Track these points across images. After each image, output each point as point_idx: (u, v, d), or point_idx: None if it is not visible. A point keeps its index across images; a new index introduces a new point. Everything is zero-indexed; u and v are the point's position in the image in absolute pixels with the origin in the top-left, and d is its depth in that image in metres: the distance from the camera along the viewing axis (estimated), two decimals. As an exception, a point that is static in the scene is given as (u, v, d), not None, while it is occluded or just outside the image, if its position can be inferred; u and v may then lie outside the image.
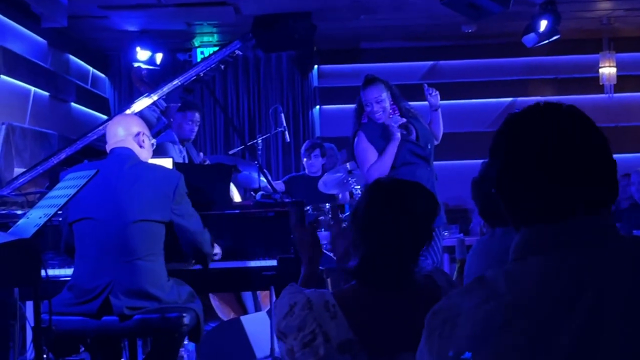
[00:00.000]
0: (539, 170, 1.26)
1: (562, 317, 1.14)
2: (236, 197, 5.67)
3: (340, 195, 6.91)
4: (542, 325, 1.13)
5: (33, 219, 2.96)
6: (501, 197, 1.31)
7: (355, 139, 5.05)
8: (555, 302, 1.15)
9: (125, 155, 3.77)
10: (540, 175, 1.26)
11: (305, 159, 7.12)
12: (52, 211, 2.94)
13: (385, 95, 5.03)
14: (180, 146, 5.96)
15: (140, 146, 3.87)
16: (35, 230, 2.87)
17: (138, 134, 3.87)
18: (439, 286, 2.18)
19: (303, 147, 7.21)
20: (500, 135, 1.34)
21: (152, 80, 6.24)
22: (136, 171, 3.73)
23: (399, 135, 4.94)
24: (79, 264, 3.65)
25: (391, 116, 4.99)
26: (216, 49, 9.20)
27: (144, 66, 7.53)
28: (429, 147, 5.10)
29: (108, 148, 3.86)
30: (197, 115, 6.04)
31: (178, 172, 3.86)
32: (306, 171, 7.17)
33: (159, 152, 5.70)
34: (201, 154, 6.32)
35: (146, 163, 3.83)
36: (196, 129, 6.06)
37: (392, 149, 4.91)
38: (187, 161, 5.95)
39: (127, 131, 3.85)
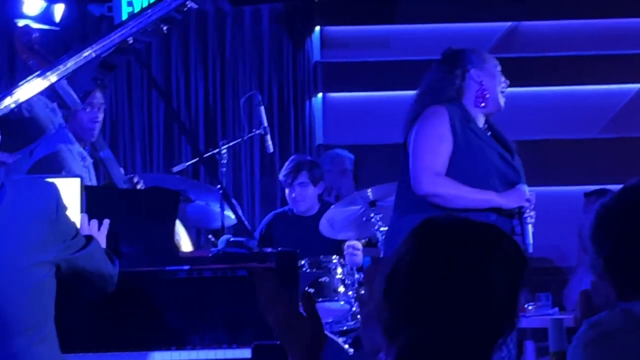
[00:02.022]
0: None
1: None
2: (184, 243, 5.69)
3: (347, 257, 6.93)
4: None
5: None
6: None
7: (429, 114, 5.09)
8: None
9: None
10: None
11: (287, 190, 7.18)
12: None
13: None
14: (81, 148, 5.98)
15: None
16: None
17: None
18: None
19: (282, 171, 7.29)
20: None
21: (48, 49, 6.26)
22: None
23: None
24: None
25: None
26: (153, -1, 9.36)
27: (34, 25, 7.56)
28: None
29: None
30: (97, 94, 6.06)
31: (51, 182, 3.92)
32: (292, 208, 7.22)
33: (48, 167, 5.71)
34: (122, 169, 6.33)
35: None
36: (100, 116, 6.08)
37: (483, 197, 5.02)
38: (93, 175, 5.97)
39: None
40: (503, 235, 2.22)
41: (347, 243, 6.83)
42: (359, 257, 6.88)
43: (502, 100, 5.23)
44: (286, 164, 7.31)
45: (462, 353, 2.15)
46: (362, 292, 6.31)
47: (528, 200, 5.14)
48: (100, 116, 6.08)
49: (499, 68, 5.27)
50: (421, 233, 2.22)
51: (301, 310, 2.43)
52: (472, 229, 2.22)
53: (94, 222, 4.27)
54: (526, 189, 5.17)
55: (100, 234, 4.21)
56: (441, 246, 2.17)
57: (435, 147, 4.97)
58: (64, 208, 3.83)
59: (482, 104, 5.14)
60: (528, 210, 5.18)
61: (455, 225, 2.24)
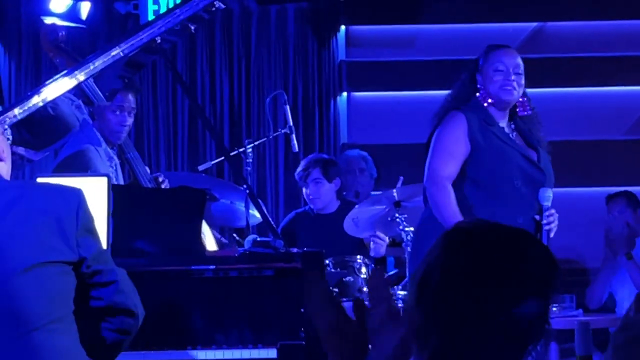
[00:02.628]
0: None
1: None
2: (209, 243, 5.69)
3: (372, 244, 6.92)
4: None
5: None
6: None
7: (447, 119, 5.20)
8: None
9: None
10: None
11: (303, 189, 7.20)
12: None
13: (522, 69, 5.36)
14: (109, 149, 5.99)
15: (1, 159, 3.89)
16: None
17: None
18: None
19: (296, 171, 7.30)
20: None
21: (74, 47, 6.28)
22: (12, 198, 3.74)
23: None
24: None
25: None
26: (179, -3, 9.37)
27: (60, 23, 7.58)
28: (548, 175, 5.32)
29: None
30: (129, 97, 6.07)
31: (75, 188, 3.87)
32: (312, 206, 7.25)
33: (74, 165, 5.72)
34: (147, 168, 6.34)
35: (25, 183, 3.86)
36: (129, 120, 6.09)
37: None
38: (120, 176, 5.98)
39: None
40: (533, 240, 2.22)
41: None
42: (383, 248, 6.90)
43: (506, 95, 5.25)
44: (301, 163, 7.33)
45: (493, 358, 2.15)
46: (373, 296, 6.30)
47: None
48: (130, 120, 6.09)
49: (500, 65, 5.26)
50: (451, 239, 2.22)
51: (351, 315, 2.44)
52: (502, 234, 2.22)
53: None
54: (549, 192, 5.18)
55: None
56: (472, 252, 2.17)
57: (448, 151, 5.06)
58: (86, 214, 3.79)
59: (486, 104, 5.19)
60: (548, 214, 5.20)
61: (485, 230, 2.24)
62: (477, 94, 5.23)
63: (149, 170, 6.29)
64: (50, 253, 3.66)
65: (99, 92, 5.59)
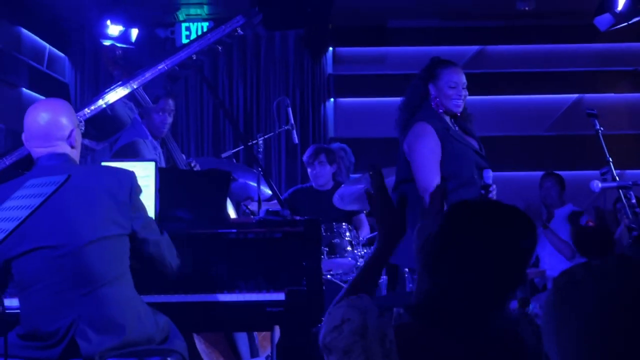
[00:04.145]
0: None
1: None
2: (231, 212, 5.71)
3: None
4: None
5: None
6: None
7: (419, 131, 4.94)
8: None
9: (61, 165, 3.75)
10: None
11: (309, 169, 7.18)
12: (9, 226, 2.97)
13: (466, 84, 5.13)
14: (154, 141, 6.00)
15: (72, 146, 3.83)
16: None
17: (71, 132, 3.80)
18: (523, 343, 2.17)
19: (305, 154, 7.27)
20: None
21: (128, 62, 6.27)
22: (81, 179, 3.69)
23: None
24: (28, 304, 3.65)
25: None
26: (205, 24, 9.37)
27: (119, 44, 7.57)
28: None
29: (34, 154, 3.81)
30: (170, 102, 6.08)
31: (129, 170, 3.84)
32: (313, 183, 7.22)
33: (127, 153, 5.73)
34: (183, 155, 6.34)
35: (89, 166, 3.83)
36: (169, 120, 6.10)
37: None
38: (163, 161, 5.99)
39: (57, 130, 3.78)
40: (523, 215, 2.19)
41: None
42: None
43: (457, 107, 5.02)
44: (308, 149, 7.31)
45: (483, 302, 2.15)
46: (347, 255, 6.36)
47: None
48: (170, 119, 6.09)
49: (453, 83, 5.01)
50: (459, 208, 2.22)
51: (369, 187, 2.50)
52: (501, 208, 2.21)
53: None
54: (490, 173, 5.11)
55: None
56: (475, 216, 2.17)
57: (431, 162, 4.81)
58: (138, 191, 3.77)
59: (440, 111, 5.04)
60: (491, 189, 5.13)
61: (488, 205, 2.27)
62: (432, 103, 5.02)
63: (184, 157, 6.31)
64: (112, 227, 3.65)
65: (147, 97, 5.59)
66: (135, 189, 3.77)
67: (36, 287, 3.63)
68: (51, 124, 3.76)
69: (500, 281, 2.14)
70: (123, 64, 6.00)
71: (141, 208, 3.81)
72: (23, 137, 3.82)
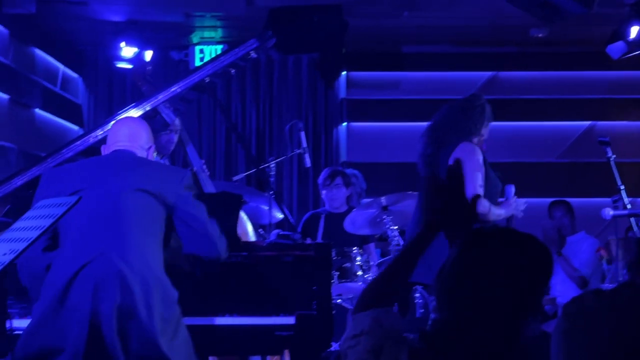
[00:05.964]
0: None
1: None
2: (250, 235, 5.69)
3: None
4: None
5: (-7, 256, 2.94)
6: None
7: (471, 149, 5.04)
8: None
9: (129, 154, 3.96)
10: None
11: (324, 191, 7.16)
12: (21, 247, 2.95)
13: None
14: (159, 158, 6.00)
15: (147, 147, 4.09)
16: (-1, 271, 2.86)
17: (150, 148, 4.08)
18: None
19: (321, 176, 7.25)
20: None
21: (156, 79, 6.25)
22: (141, 164, 3.94)
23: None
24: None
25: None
26: (219, 47, 9.38)
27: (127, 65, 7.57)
28: None
29: (107, 149, 4.02)
30: (176, 122, 6.07)
31: (187, 169, 4.10)
32: (326, 206, 7.20)
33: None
34: (202, 161, 6.32)
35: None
36: (175, 139, 6.10)
37: (501, 212, 5.10)
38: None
39: (142, 140, 4.05)
40: (539, 243, 2.19)
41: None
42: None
43: (485, 143, 5.23)
44: (324, 171, 7.28)
45: (496, 332, 2.14)
46: (357, 279, 6.34)
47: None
48: (175, 138, 6.08)
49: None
50: (470, 238, 2.22)
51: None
52: (518, 237, 2.21)
53: None
54: (513, 189, 5.24)
55: None
56: (482, 247, 2.18)
57: (481, 179, 4.96)
58: (191, 180, 3.96)
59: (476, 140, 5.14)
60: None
61: (498, 232, 2.25)
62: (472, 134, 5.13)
63: (200, 159, 6.27)
64: (153, 184, 3.81)
65: (172, 115, 5.64)
66: (189, 178, 3.96)
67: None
68: (135, 132, 4.04)
69: (516, 310, 2.13)
70: (152, 80, 5.99)
71: (191, 193, 3.93)
72: (107, 139, 4.07)
